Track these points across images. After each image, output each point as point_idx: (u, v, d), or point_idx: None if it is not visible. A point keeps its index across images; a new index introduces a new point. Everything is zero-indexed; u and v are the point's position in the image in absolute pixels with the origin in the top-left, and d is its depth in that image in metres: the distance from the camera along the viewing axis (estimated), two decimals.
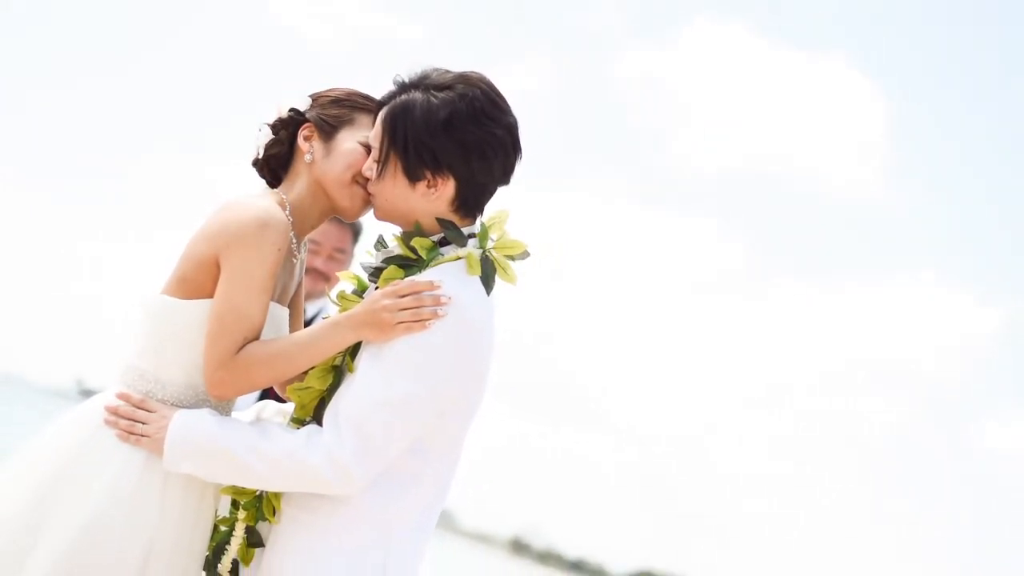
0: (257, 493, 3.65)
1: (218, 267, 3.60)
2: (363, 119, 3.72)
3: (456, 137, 3.55)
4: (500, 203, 3.69)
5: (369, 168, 3.64)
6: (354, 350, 3.57)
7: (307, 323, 4.32)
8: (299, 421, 3.63)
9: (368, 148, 3.67)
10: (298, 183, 3.74)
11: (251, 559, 3.67)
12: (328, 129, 3.72)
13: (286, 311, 3.78)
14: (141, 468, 3.59)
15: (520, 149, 3.66)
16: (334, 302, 3.69)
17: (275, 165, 3.79)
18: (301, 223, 3.74)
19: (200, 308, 3.62)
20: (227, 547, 3.69)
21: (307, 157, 3.72)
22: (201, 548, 3.70)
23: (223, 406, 3.72)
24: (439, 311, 3.47)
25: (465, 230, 3.62)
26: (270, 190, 3.77)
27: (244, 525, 3.67)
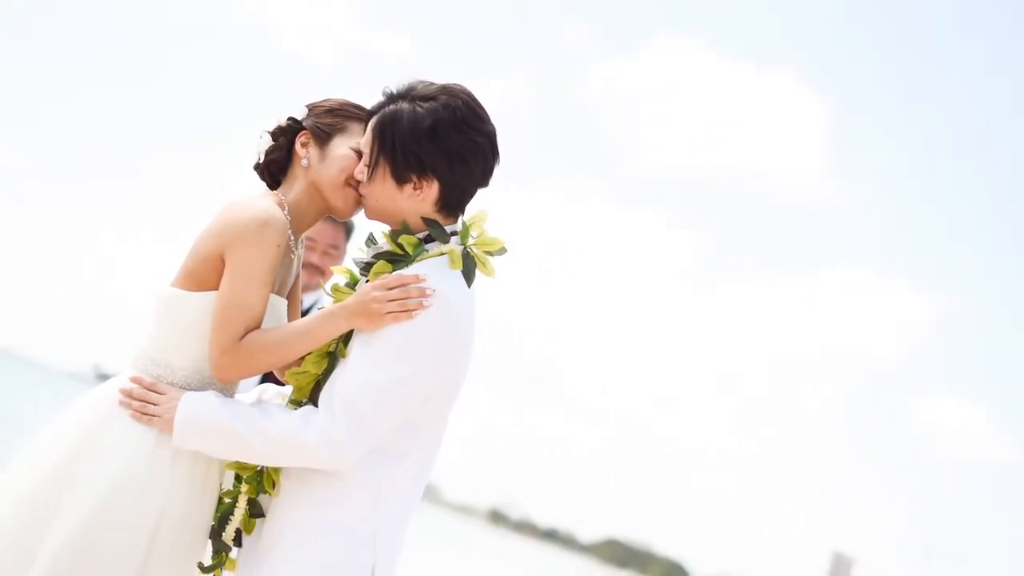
0: (258, 468, 3.65)
1: (223, 262, 3.59)
2: (355, 127, 3.73)
3: (440, 143, 3.56)
4: (480, 204, 3.70)
5: (360, 172, 3.64)
6: (347, 337, 3.57)
7: (304, 313, 4.32)
8: (296, 402, 3.63)
9: (359, 153, 3.67)
10: (296, 185, 3.74)
11: (253, 528, 3.67)
12: (323, 136, 3.72)
13: (284, 302, 3.78)
14: (152, 445, 3.58)
15: (498, 154, 3.67)
16: (328, 294, 3.69)
17: (275, 169, 3.79)
18: (298, 222, 3.74)
19: (206, 299, 3.62)
20: (231, 517, 3.68)
21: (304, 162, 3.72)
22: (207, 518, 3.70)
23: (227, 389, 3.72)
24: (424, 302, 3.47)
25: (448, 228, 3.62)
26: (270, 192, 3.77)
27: (247, 497, 3.67)
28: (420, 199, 3.60)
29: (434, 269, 3.54)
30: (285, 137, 3.76)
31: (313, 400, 3.58)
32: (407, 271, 3.53)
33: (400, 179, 3.58)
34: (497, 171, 3.69)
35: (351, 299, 3.54)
